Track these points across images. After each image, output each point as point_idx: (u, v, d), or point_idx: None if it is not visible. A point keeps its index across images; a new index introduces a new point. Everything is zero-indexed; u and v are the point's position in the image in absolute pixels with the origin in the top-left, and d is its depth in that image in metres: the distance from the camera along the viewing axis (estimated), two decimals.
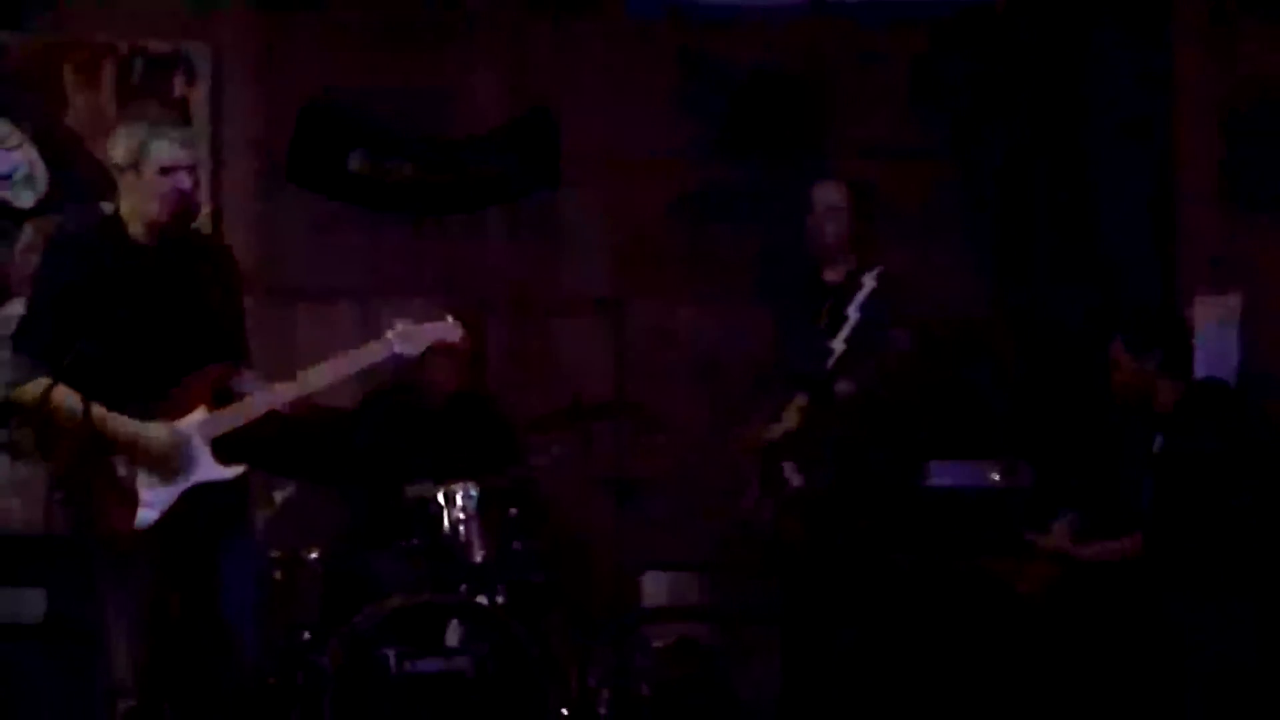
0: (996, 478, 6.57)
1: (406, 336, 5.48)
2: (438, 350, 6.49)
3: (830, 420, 6.14)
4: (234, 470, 5.30)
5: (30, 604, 6.47)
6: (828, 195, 6.62)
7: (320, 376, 5.34)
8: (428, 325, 5.54)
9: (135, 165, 5.20)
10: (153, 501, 5.21)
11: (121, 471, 5.20)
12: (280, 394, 5.33)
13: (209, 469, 5.26)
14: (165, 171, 5.18)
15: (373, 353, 5.46)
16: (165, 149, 5.19)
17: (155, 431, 5.20)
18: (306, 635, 6.23)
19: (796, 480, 6.28)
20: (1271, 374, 6.33)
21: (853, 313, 5.91)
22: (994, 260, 7.87)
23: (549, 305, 7.73)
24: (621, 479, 6.80)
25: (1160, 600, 5.50)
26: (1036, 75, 7.77)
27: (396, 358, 5.50)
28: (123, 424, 5.16)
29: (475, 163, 7.60)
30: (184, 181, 5.21)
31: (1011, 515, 6.19)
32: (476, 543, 6.33)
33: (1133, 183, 7.36)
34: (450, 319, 5.60)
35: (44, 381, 5.06)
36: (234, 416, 5.30)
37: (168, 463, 5.21)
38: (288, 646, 6.17)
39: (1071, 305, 7.50)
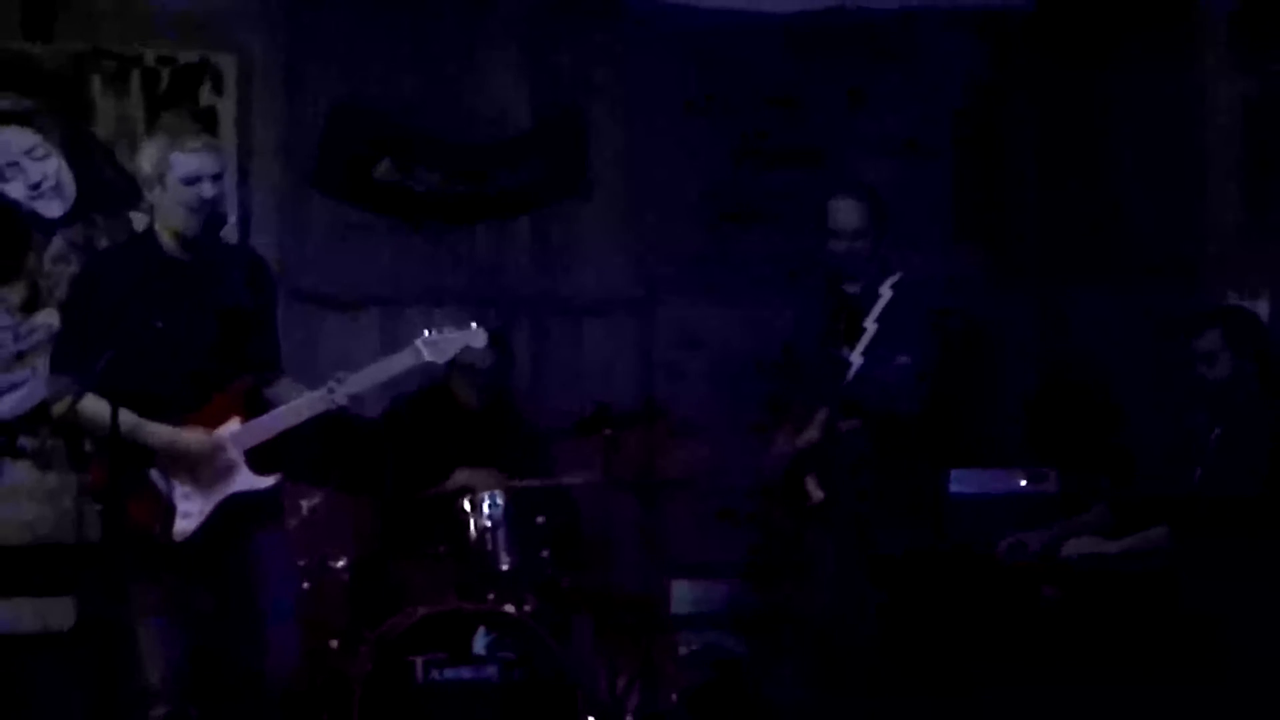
0: (1023, 484, 6.56)
1: (434, 345, 5.51)
2: (462, 369, 6.54)
3: (844, 434, 6.12)
4: (269, 480, 5.34)
5: (59, 612, 6.51)
6: (843, 217, 6.40)
7: (349, 386, 5.37)
8: (454, 334, 5.56)
9: (160, 176, 5.25)
10: (190, 512, 5.24)
11: (158, 482, 5.23)
12: (310, 404, 5.35)
13: (245, 479, 5.30)
14: (189, 182, 5.23)
15: (401, 362, 5.50)
16: (187, 159, 5.24)
17: (192, 436, 5.23)
18: (334, 643, 6.25)
19: (817, 495, 6.26)
20: None
21: (870, 325, 5.88)
22: (1012, 260, 7.87)
23: (575, 308, 7.74)
24: (648, 483, 6.79)
25: (1190, 591, 5.50)
26: (1056, 74, 7.76)
27: (425, 366, 5.54)
28: (158, 431, 5.20)
29: (503, 172, 7.59)
30: (207, 190, 5.25)
31: (1040, 521, 6.16)
32: (503, 550, 6.35)
33: (1154, 181, 7.35)
34: (474, 325, 5.62)
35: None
36: (267, 427, 5.33)
37: (204, 468, 5.24)
38: (315, 654, 6.17)
39: (1092, 306, 7.50)
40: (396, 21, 7.48)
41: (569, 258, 7.75)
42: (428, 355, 5.50)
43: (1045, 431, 7.40)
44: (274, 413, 5.35)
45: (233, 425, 5.29)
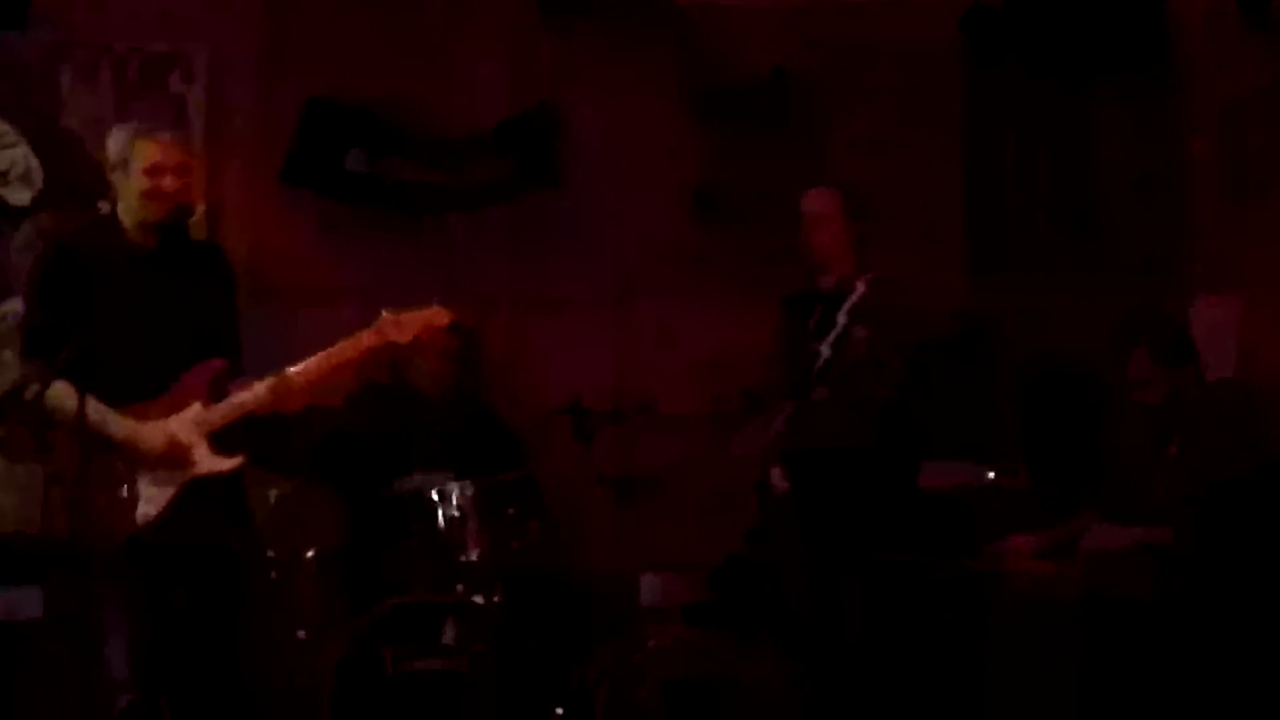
0: (992, 476, 6.56)
1: (395, 323, 5.48)
2: (424, 348, 6.52)
3: (812, 426, 6.11)
4: (231, 463, 5.31)
5: (27, 602, 6.48)
6: (815, 205, 6.41)
7: (313, 367, 5.35)
8: (416, 312, 5.54)
9: (124, 164, 5.24)
10: (153, 497, 5.22)
11: (122, 468, 5.21)
12: (274, 386, 5.33)
13: (206, 463, 5.27)
14: (150, 172, 5.21)
15: (363, 341, 5.46)
16: (151, 149, 5.23)
17: (151, 434, 5.21)
18: (303, 634, 6.23)
19: (782, 486, 6.26)
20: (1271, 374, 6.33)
21: (841, 318, 5.90)
22: (992, 260, 7.86)
23: (551, 304, 7.72)
24: (622, 478, 6.78)
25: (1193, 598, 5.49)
26: (1038, 74, 7.75)
27: (388, 345, 5.51)
28: (119, 425, 5.18)
29: (474, 163, 7.59)
30: (168, 183, 5.23)
31: (1007, 514, 6.16)
32: (473, 541, 6.33)
33: (1135, 181, 7.36)
34: (435, 303, 5.59)
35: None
36: (230, 410, 5.30)
37: (165, 463, 5.22)
38: (285, 645, 6.16)
39: (1072, 305, 7.49)
40: (372, 12, 7.47)
41: (547, 252, 7.73)
42: (390, 334, 5.47)
43: (1024, 436, 7.39)
44: (238, 395, 5.32)
45: (195, 409, 5.27)
